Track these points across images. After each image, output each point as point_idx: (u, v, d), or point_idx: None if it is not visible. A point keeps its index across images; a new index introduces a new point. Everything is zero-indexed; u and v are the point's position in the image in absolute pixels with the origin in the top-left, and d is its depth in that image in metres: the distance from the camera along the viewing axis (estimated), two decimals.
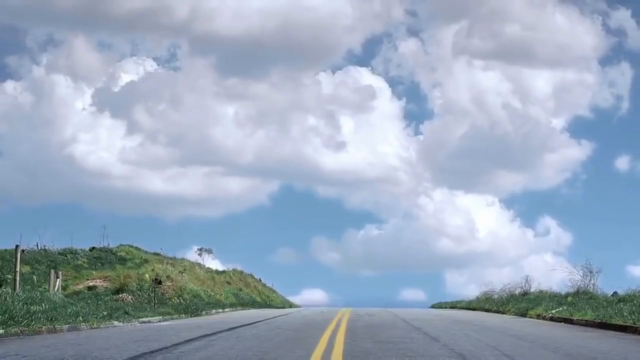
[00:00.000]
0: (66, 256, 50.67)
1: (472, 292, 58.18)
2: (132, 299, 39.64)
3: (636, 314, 21.01)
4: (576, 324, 23.92)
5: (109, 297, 38.61)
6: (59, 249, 51.53)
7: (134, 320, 26.11)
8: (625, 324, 20.20)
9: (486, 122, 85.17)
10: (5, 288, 25.45)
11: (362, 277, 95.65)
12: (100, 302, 31.96)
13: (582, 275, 35.11)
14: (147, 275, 45.11)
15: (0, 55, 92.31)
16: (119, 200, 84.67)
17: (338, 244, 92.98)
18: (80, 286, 44.10)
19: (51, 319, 20.11)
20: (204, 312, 35.89)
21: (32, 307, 20.76)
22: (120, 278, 44.68)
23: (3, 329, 17.13)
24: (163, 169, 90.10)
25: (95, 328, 21.87)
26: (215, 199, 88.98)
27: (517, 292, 41.43)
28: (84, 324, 21.66)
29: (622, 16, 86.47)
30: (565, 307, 29.04)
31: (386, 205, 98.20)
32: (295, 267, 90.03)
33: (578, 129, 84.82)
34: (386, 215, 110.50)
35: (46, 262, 46.54)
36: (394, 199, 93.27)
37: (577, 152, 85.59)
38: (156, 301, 38.06)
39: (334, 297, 76.91)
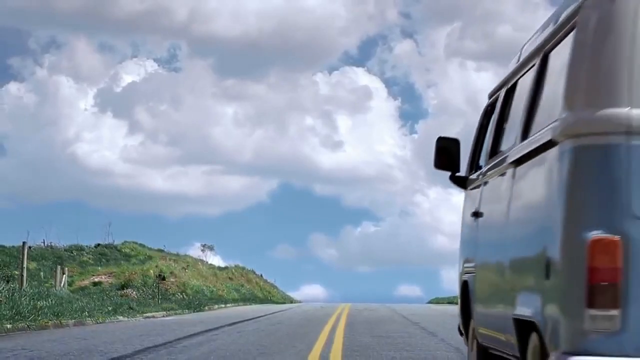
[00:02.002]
0: (72, 252, 50.70)
1: None
2: (136, 294, 39.66)
3: None
4: None
5: (114, 293, 38.63)
6: (64, 245, 51.57)
7: (138, 315, 26.11)
8: None
9: None
10: (12, 284, 25.44)
11: (360, 273, 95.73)
12: (105, 297, 31.96)
13: None
14: (151, 272, 45.13)
15: (4, 57, 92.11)
16: (121, 198, 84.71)
17: (336, 240, 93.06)
18: (86, 282, 44.13)
19: (57, 314, 20.10)
20: (206, 308, 35.90)
21: (38, 302, 20.74)
22: (125, 274, 44.73)
23: (10, 323, 17.12)
24: (164, 167, 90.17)
25: (101, 323, 21.87)
26: (216, 197, 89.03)
27: None
28: (89, 319, 21.66)
29: None
30: None
31: (383, 203, 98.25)
32: (293, 263, 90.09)
33: None
34: (383, 213, 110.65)
35: (52, 258, 46.57)
36: (390, 196, 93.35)
37: None
38: (160, 297, 38.07)
39: (332, 293, 76.95)
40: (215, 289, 49.37)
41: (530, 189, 4.64)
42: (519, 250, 4.77)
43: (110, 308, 25.24)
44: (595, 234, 3.85)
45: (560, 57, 4.39)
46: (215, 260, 61.45)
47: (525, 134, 4.88)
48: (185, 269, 49.66)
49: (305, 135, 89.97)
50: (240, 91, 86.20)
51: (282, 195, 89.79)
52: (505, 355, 5.37)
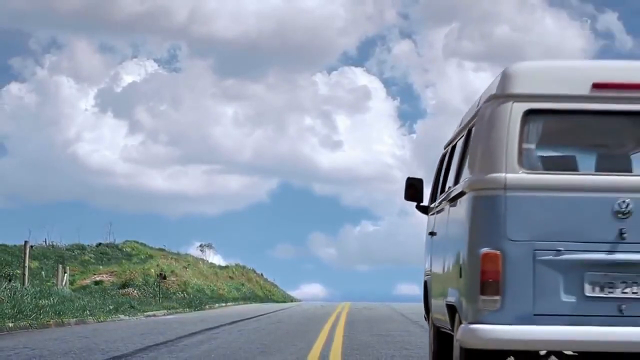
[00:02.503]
0: (73, 252, 50.71)
1: None
2: (137, 293, 39.67)
3: None
4: None
5: (115, 292, 38.65)
6: (66, 244, 51.57)
7: (139, 314, 26.12)
8: None
9: None
10: (14, 283, 25.45)
11: (359, 272, 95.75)
12: (106, 296, 31.98)
13: None
14: (152, 271, 45.14)
15: (5, 58, 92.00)
16: (122, 198, 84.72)
17: (335, 239, 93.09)
18: (87, 281, 44.14)
19: (59, 312, 20.10)
20: (207, 306, 35.91)
21: (40, 301, 20.75)
22: (126, 273, 44.75)
23: (12, 322, 17.13)
24: (164, 167, 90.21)
25: (102, 322, 21.87)
26: (216, 196, 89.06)
27: None
28: (91, 317, 21.66)
29: (610, 19, 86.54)
30: None
31: (381, 202, 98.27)
32: (293, 262, 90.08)
33: None
34: (381, 212, 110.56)
35: (54, 257, 46.58)
36: (389, 195, 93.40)
37: None
38: (161, 295, 38.08)
39: (331, 292, 76.96)
40: (216, 288, 49.37)
41: (455, 220, 6.93)
42: (450, 260, 7.01)
43: (111, 307, 25.23)
44: (485, 250, 6.10)
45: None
46: (216, 259, 61.48)
47: (456, 181, 7.11)
48: (186, 268, 49.66)
49: (305, 135, 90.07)
50: (239, 91, 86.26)
51: (281, 194, 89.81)
52: (447, 331, 7.54)
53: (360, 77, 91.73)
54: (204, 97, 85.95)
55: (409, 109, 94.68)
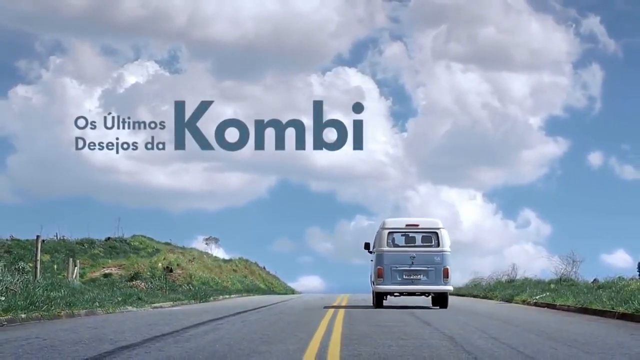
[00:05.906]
0: (83, 246, 50.70)
1: (457, 279, 58.18)
2: (145, 285, 39.66)
3: (614, 300, 21.01)
4: (558, 309, 23.94)
5: (123, 284, 38.63)
6: (76, 239, 51.55)
7: (146, 305, 26.12)
8: (604, 309, 20.21)
9: (467, 121, 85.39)
10: (26, 275, 25.44)
11: (354, 265, 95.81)
12: (115, 288, 31.98)
13: (565, 264, 35.21)
14: (159, 264, 45.15)
15: (12, 60, 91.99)
16: (126, 194, 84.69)
17: (331, 234, 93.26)
18: (97, 274, 44.15)
19: (69, 304, 20.11)
20: (211, 298, 35.90)
21: (51, 293, 20.76)
22: (134, 266, 44.74)
23: (25, 313, 17.14)
24: (166, 165, 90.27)
25: (111, 313, 21.89)
26: (217, 192, 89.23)
27: (503, 279, 41.38)
28: (100, 309, 21.67)
29: (593, 22, 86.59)
30: (548, 294, 29.06)
31: (375, 199, 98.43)
32: (291, 255, 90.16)
33: (553, 127, 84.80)
34: (376, 208, 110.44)
35: (65, 251, 46.59)
36: (383, 192, 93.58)
37: (553, 148, 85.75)
38: (167, 288, 38.10)
39: (329, 284, 76.96)
40: (220, 281, 49.36)
41: (374, 258, 25.59)
42: (372, 269, 25.70)
43: (120, 299, 25.24)
44: (379, 267, 24.69)
45: None
46: (220, 252, 61.44)
47: (374, 247, 25.62)
48: (191, 261, 49.64)
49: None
50: (237, 92, 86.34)
51: (280, 191, 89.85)
52: (373, 290, 25.63)
53: (353, 78, 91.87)
54: (203, 98, 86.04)
55: (401, 109, 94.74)
